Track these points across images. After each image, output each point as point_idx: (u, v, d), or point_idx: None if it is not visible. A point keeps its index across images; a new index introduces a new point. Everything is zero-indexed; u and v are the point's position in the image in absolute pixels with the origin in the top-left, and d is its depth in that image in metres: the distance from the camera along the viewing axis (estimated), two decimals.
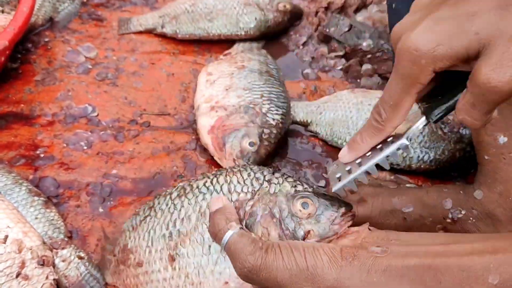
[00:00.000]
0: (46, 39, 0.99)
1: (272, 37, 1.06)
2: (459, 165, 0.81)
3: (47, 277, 0.61)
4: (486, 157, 0.62)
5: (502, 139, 0.61)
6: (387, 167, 0.45)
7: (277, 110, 0.83)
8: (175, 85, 0.95)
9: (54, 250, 0.66)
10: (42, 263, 0.61)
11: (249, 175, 0.55)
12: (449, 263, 0.39)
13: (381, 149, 0.45)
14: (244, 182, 0.54)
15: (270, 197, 0.51)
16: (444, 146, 0.80)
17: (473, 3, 0.39)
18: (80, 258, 0.67)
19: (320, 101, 0.90)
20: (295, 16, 1.07)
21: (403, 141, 0.44)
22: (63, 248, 0.67)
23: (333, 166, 0.50)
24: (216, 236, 0.45)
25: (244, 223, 0.49)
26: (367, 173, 0.46)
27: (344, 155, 0.48)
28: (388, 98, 0.43)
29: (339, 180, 0.48)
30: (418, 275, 0.39)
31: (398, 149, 0.44)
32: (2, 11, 0.92)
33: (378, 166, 0.46)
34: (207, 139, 0.80)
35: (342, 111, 0.86)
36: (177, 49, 1.03)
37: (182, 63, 1.00)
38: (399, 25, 0.43)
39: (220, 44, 1.04)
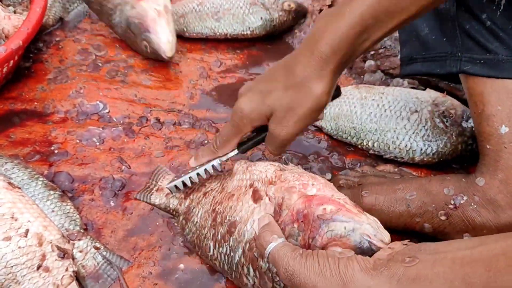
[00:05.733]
0: (57, 39, 1.02)
1: (277, 35, 1.08)
2: (461, 158, 0.83)
3: (66, 269, 0.63)
4: (488, 147, 0.65)
5: (504, 129, 0.63)
6: (204, 176, 0.68)
7: None
8: (183, 82, 0.98)
9: (71, 241, 0.68)
10: (62, 255, 0.63)
11: None
12: (476, 266, 0.41)
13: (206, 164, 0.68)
14: None
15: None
16: (447, 139, 0.82)
17: (270, 84, 0.60)
18: (96, 248, 0.69)
19: None
20: (299, 15, 1.09)
21: (215, 162, 0.67)
22: (79, 240, 0.69)
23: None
24: (261, 246, 0.52)
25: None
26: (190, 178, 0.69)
27: (192, 162, 0.69)
28: (223, 134, 0.65)
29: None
30: (447, 281, 0.41)
31: (213, 166, 0.67)
32: (15, 12, 0.95)
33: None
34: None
35: (346, 106, 0.88)
36: (185, 47, 1.05)
37: (189, 61, 1.02)
38: (244, 86, 0.64)
39: (226, 43, 1.06)
